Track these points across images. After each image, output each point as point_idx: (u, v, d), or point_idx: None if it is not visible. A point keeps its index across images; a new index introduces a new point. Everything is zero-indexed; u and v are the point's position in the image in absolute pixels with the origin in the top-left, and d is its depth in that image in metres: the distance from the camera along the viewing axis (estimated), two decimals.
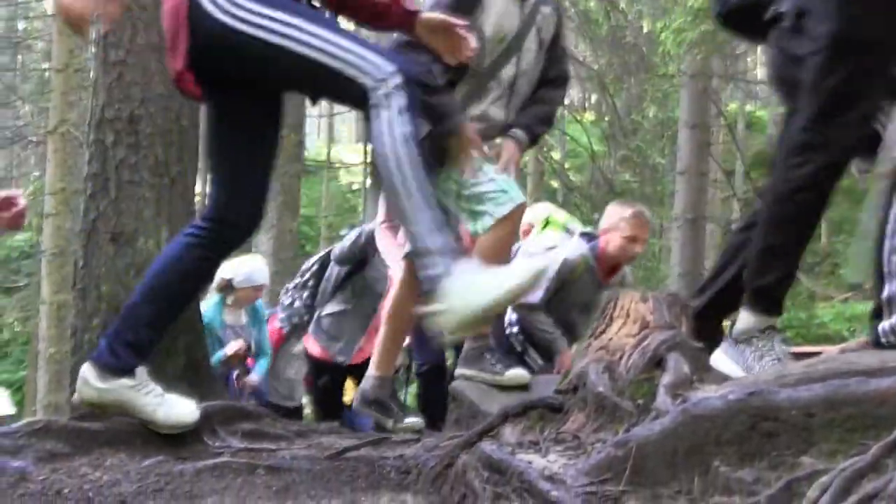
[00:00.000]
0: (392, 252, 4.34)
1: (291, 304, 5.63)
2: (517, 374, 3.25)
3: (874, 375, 1.81)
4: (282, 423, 3.22)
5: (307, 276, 5.58)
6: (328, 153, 27.75)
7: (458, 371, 3.39)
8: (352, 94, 2.21)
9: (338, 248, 5.39)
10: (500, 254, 2.95)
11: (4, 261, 22.03)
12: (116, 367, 2.51)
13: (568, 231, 4.94)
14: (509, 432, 2.11)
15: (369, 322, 5.31)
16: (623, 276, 4.81)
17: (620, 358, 2.20)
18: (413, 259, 2.56)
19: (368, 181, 28.18)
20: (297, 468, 2.35)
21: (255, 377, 5.82)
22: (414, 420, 3.32)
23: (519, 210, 3.02)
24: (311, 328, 5.56)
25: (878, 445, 1.55)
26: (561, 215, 5.26)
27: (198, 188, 4.86)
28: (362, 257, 5.21)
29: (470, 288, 1.94)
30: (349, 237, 5.28)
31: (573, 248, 4.62)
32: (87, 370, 2.54)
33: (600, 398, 2.05)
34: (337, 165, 29.28)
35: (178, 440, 2.77)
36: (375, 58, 2.16)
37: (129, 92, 3.85)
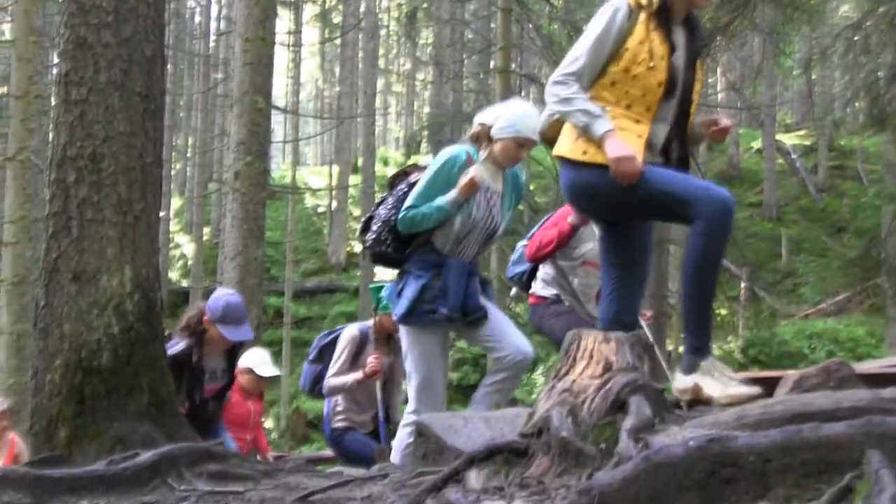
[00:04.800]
0: None
1: None
2: None
3: (829, 418, 1.86)
4: (249, 464, 3.21)
5: None
6: (293, 177, 27.69)
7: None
8: None
9: None
10: None
11: None
12: None
13: None
14: (474, 477, 2.12)
15: None
16: None
17: (584, 401, 2.22)
18: None
19: (334, 204, 28.25)
20: None
21: None
22: None
23: None
24: None
25: (831, 491, 1.60)
26: None
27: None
28: None
29: None
30: None
31: None
32: None
33: (564, 443, 2.07)
34: (302, 189, 29.22)
35: (142, 483, 2.75)
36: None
37: (91, 130, 3.83)
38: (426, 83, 37.14)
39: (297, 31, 27.99)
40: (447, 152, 4.22)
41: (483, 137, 4.19)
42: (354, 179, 29.29)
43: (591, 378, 2.34)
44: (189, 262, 27.65)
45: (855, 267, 13.82)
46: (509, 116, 4.10)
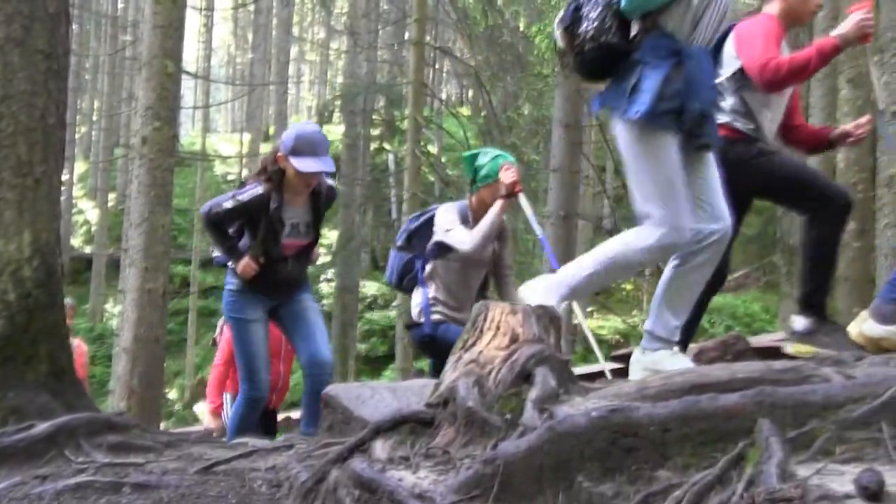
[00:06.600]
0: None
1: None
2: None
3: (725, 389, 1.93)
4: (151, 434, 3.15)
5: None
6: (203, 143, 27.10)
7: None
8: None
9: None
10: None
11: None
12: None
13: None
14: (380, 447, 2.13)
15: None
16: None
17: (490, 372, 2.25)
18: None
19: (244, 172, 27.74)
20: (164, 485, 2.31)
21: None
22: None
23: None
24: None
25: (725, 459, 1.66)
26: None
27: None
28: None
29: None
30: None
31: None
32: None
33: (470, 413, 2.09)
34: (212, 156, 28.64)
35: (37, 456, 2.68)
36: None
37: None
38: (340, 53, 36.70)
39: None
40: None
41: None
42: (266, 148, 28.83)
43: (497, 349, 2.37)
44: (93, 229, 26.88)
45: (753, 245, 14.34)
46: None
